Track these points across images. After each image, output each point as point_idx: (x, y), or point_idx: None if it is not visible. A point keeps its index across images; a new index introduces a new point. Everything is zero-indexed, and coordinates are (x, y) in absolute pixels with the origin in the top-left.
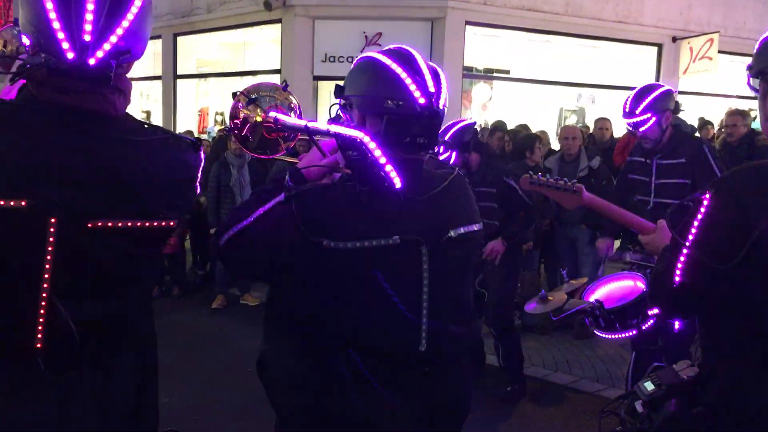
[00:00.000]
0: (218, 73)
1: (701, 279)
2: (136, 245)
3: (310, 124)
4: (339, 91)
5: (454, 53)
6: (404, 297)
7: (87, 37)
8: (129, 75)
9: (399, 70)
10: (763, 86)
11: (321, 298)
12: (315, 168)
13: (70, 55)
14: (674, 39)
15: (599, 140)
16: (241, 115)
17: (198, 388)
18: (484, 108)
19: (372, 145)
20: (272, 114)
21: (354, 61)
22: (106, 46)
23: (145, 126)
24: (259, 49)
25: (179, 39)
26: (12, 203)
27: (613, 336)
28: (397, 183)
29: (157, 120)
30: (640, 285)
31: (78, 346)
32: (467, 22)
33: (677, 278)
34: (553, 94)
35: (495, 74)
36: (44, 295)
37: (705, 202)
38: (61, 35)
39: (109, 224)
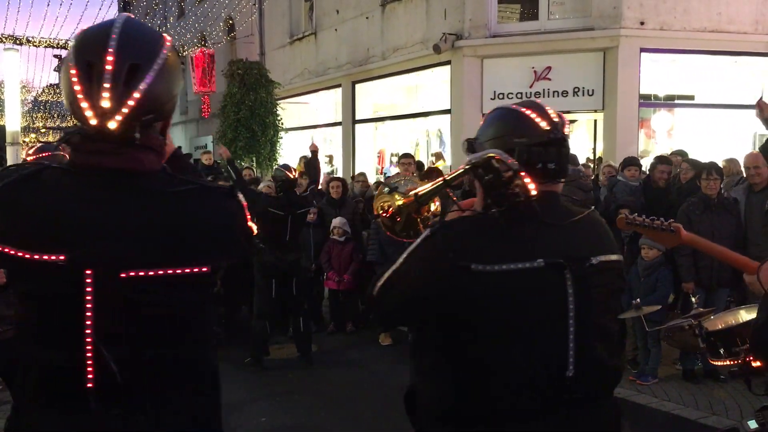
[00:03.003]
0: (393, 116)
1: None
2: (173, 292)
3: (449, 177)
4: (469, 146)
5: (628, 82)
6: (551, 321)
7: (105, 104)
8: (313, 122)
9: (522, 108)
10: None
11: (472, 326)
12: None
13: (93, 121)
14: None
15: None
16: (380, 204)
17: (367, 421)
18: (669, 136)
19: (505, 156)
20: (412, 193)
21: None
22: (125, 110)
23: (179, 179)
24: (430, 90)
25: (357, 86)
26: (53, 257)
27: (720, 363)
28: (533, 190)
29: (338, 163)
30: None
31: (121, 386)
32: (642, 50)
33: None
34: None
35: (677, 101)
36: (88, 339)
37: None
38: (84, 104)
39: (141, 273)
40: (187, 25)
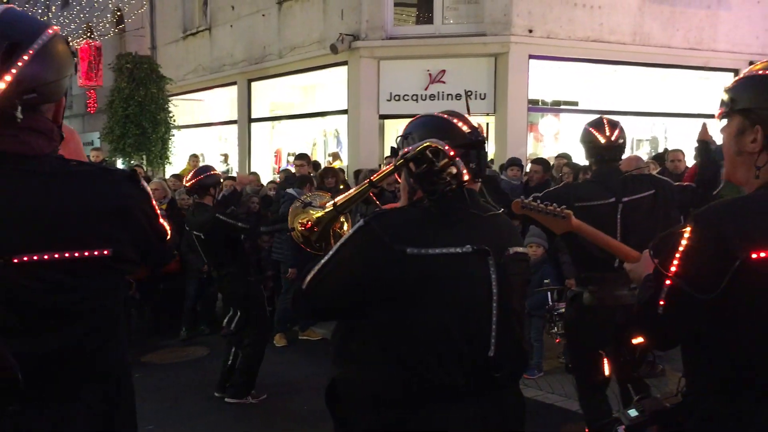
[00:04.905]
0: (290, 115)
1: (684, 309)
2: (71, 277)
3: (374, 178)
4: (394, 152)
5: (518, 87)
6: (478, 304)
7: None
8: (208, 119)
9: (444, 115)
10: (742, 123)
11: (406, 308)
12: None
13: None
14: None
15: (673, 173)
16: (298, 221)
17: (260, 421)
18: (556, 140)
19: (441, 143)
20: (330, 203)
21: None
22: (1, 86)
23: (72, 162)
24: (327, 90)
25: (253, 84)
26: None
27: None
28: (465, 175)
29: (233, 162)
30: None
31: (19, 380)
32: (531, 56)
33: (661, 309)
34: (624, 124)
35: (562, 106)
36: None
37: (686, 234)
38: None
39: (35, 257)
40: (71, 15)
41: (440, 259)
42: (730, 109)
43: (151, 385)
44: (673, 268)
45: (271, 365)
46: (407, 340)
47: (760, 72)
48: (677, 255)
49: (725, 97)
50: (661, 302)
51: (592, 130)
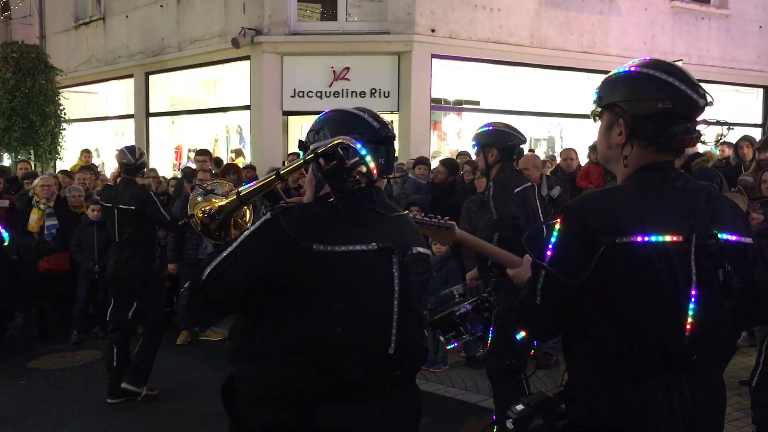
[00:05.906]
0: (191, 110)
1: (559, 296)
2: None
3: (282, 171)
4: (303, 146)
5: (421, 86)
6: (379, 301)
7: None
8: (103, 113)
9: (354, 110)
10: (609, 118)
11: (310, 304)
12: None
13: None
14: None
15: (566, 171)
16: (200, 208)
17: (161, 420)
18: (459, 138)
19: (353, 141)
20: (233, 192)
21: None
22: None
23: None
24: (229, 85)
25: (151, 77)
26: None
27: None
28: (375, 172)
29: None
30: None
31: None
32: (433, 56)
33: (538, 298)
34: (522, 124)
35: (464, 105)
36: None
37: (557, 226)
38: None
39: None
40: None
41: (346, 257)
42: (598, 106)
43: (38, 392)
44: (546, 258)
45: (169, 366)
46: (308, 336)
47: (622, 70)
48: (549, 246)
49: (595, 95)
50: (538, 293)
51: (513, 132)
